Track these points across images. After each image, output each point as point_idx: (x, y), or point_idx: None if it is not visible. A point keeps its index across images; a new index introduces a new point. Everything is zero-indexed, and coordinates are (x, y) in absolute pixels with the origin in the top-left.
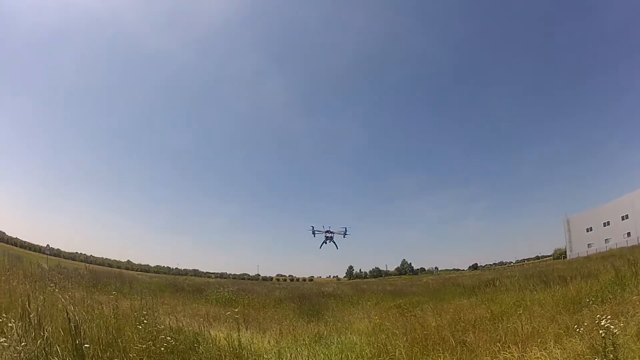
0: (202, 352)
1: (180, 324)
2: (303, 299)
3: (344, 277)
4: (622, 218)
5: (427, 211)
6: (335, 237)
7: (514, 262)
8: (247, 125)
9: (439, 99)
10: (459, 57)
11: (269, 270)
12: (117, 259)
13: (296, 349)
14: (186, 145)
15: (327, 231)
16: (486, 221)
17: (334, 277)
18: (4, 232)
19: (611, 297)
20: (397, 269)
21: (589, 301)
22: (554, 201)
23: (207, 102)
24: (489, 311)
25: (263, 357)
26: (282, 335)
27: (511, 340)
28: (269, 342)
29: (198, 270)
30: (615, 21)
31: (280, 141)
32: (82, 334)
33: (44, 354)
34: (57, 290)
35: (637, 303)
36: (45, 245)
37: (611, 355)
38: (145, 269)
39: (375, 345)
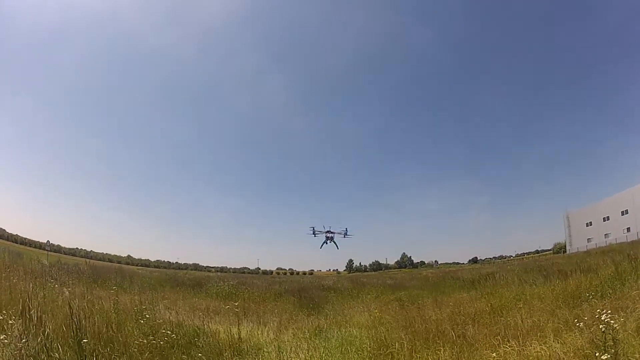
0: (203, 346)
1: (181, 318)
2: (303, 293)
3: (344, 270)
4: (622, 213)
5: (428, 205)
6: (336, 237)
7: (514, 256)
8: (247, 122)
9: (439, 97)
10: (459, 56)
11: (269, 264)
12: (118, 254)
13: (296, 342)
14: (186, 141)
15: (327, 231)
16: (487, 215)
17: (334, 270)
18: (4, 229)
19: (611, 291)
20: (397, 262)
21: (589, 296)
22: (554, 196)
23: (207, 99)
24: (489, 305)
25: (263, 351)
26: (282, 329)
27: (511, 334)
28: (268, 335)
29: (198, 264)
30: (615, 21)
31: (281, 137)
32: (83, 329)
33: (45, 350)
34: (57, 286)
35: (637, 298)
36: (45, 242)
37: (611, 350)
38: (146, 263)
39: (375, 339)
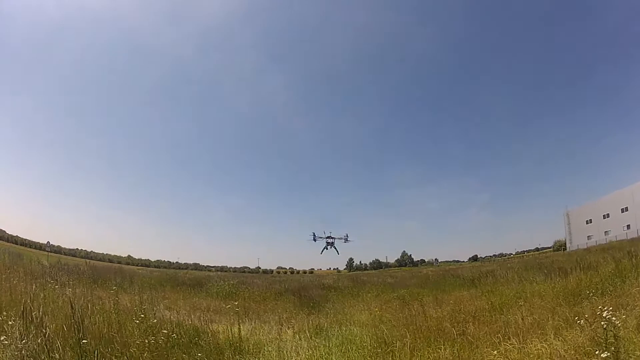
0: (203, 345)
1: (181, 318)
2: (303, 292)
3: (344, 269)
4: (622, 210)
5: (428, 203)
6: (337, 242)
7: (514, 253)
8: (247, 120)
9: (439, 96)
10: (459, 55)
11: (269, 263)
12: (118, 255)
13: (297, 341)
14: (186, 140)
15: (328, 237)
16: (487, 213)
17: (334, 269)
18: (4, 231)
19: (611, 289)
20: (397, 260)
21: (589, 293)
22: (554, 194)
23: (207, 98)
24: (489, 303)
25: (263, 350)
26: (283, 328)
27: (511, 331)
28: (269, 334)
29: (198, 264)
30: (615, 21)
31: (281, 136)
32: (83, 329)
33: (45, 350)
34: (58, 287)
35: (638, 296)
36: (45, 243)
37: (612, 348)
38: (146, 263)
39: (376, 337)
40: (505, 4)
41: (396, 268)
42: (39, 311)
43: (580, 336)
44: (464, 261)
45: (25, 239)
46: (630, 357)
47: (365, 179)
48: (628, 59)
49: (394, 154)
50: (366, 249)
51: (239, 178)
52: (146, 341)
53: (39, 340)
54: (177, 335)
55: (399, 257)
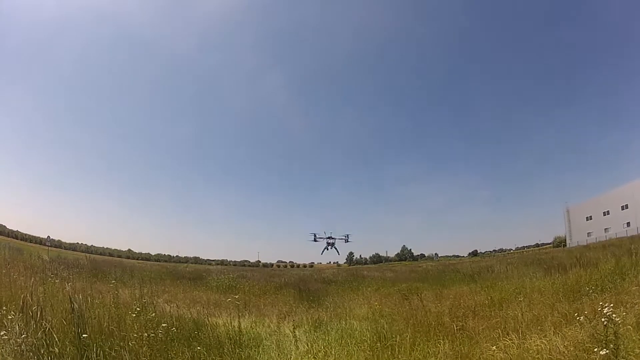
0: (203, 339)
1: (181, 312)
2: (303, 285)
3: (344, 263)
4: (622, 208)
5: (428, 198)
6: (338, 243)
7: (513, 249)
8: (247, 117)
9: (439, 93)
10: (458, 52)
11: (269, 256)
12: (118, 248)
13: (296, 335)
14: (186, 134)
15: (328, 237)
16: (487, 209)
17: (334, 263)
18: (4, 226)
19: (611, 286)
20: (397, 254)
21: (589, 290)
22: (554, 190)
23: (206, 94)
24: (489, 298)
25: (263, 343)
26: (282, 322)
27: (511, 327)
28: (269, 327)
29: (199, 257)
30: (615, 21)
31: (280, 131)
32: (83, 323)
33: (45, 345)
34: (57, 281)
35: (637, 293)
36: (46, 237)
37: (612, 345)
38: (146, 257)
39: (375, 331)
40: (505, 3)
41: (396, 262)
42: (38, 305)
43: (580, 333)
44: (463, 256)
45: (25, 234)
46: (630, 355)
47: (365, 174)
48: (628, 58)
49: (394, 150)
50: (366, 243)
51: (239, 175)
52: (145, 335)
53: (38, 335)
54: (177, 329)
55: (399, 252)
